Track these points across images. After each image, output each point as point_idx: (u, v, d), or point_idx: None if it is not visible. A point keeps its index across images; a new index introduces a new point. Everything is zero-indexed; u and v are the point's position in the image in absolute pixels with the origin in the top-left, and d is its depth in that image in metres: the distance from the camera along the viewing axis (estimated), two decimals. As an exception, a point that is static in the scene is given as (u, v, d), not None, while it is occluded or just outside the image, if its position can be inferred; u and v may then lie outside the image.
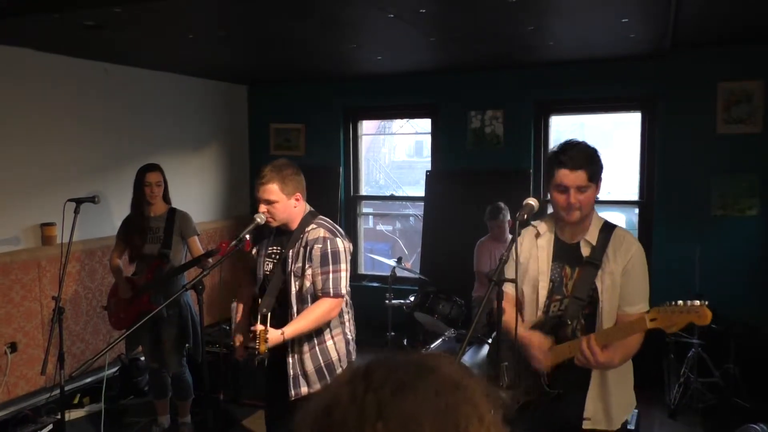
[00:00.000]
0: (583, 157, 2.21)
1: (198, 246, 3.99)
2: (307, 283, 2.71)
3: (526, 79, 5.45)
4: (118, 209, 4.67)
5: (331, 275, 2.68)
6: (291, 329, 2.63)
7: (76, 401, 4.57)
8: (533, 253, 2.40)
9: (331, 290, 2.68)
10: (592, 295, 2.24)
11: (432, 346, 4.14)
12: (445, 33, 4.17)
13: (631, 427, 3.96)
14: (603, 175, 2.27)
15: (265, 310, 2.68)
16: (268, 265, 2.83)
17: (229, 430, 4.30)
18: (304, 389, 2.74)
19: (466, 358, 3.83)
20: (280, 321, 2.70)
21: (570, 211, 2.24)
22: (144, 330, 3.78)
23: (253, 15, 3.59)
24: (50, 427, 4.13)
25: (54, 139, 4.57)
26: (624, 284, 2.23)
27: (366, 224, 7.20)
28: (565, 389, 2.25)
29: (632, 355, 2.25)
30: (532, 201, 2.23)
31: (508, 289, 2.49)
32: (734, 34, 4.50)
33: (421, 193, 6.11)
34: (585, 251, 2.28)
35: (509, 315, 2.38)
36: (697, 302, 1.96)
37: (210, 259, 3.68)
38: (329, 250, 2.69)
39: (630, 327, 2.10)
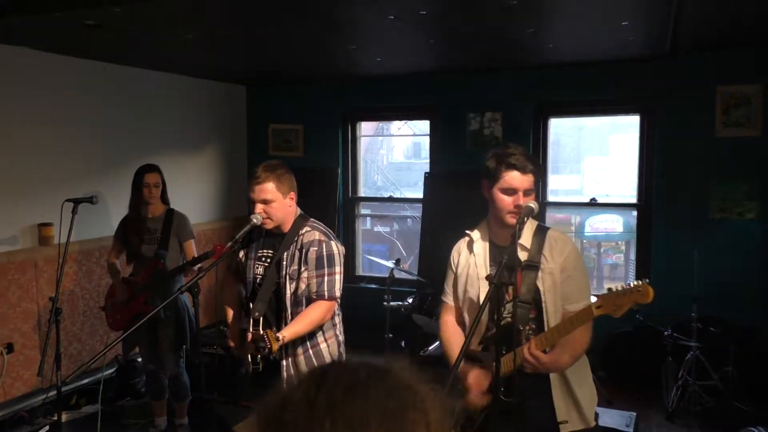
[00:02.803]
0: (531, 161, 2.28)
1: (193, 249, 3.98)
2: (303, 286, 2.71)
3: (526, 81, 5.45)
4: (116, 210, 4.66)
5: (326, 278, 2.69)
6: (289, 333, 2.62)
7: (72, 402, 4.55)
8: (470, 261, 2.42)
9: (326, 293, 2.69)
10: (536, 297, 2.25)
11: (430, 348, 4.13)
12: (445, 35, 4.17)
13: (630, 429, 3.96)
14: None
15: (257, 314, 2.67)
16: (258, 268, 2.81)
17: (226, 432, 4.29)
18: None
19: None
20: (271, 324, 2.70)
21: (516, 214, 2.25)
22: (141, 331, 3.76)
23: (252, 15, 3.58)
24: (46, 428, 4.12)
25: (52, 139, 4.55)
26: (564, 283, 2.25)
27: (364, 225, 7.18)
28: (525, 396, 2.22)
29: (583, 352, 2.25)
30: (532, 203, 2.23)
31: (449, 300, 2.51)
32: (734, 38, 4.50)
33: (419, 194, 6.10)
34: (522, 255, 2.27)
35: (450, 334, 2.43)
36: (638, 281, 1.97)
37: (201, 264, 3.66)
38: (324, 253, 2.69)
39: (577, 319, 2.10)
